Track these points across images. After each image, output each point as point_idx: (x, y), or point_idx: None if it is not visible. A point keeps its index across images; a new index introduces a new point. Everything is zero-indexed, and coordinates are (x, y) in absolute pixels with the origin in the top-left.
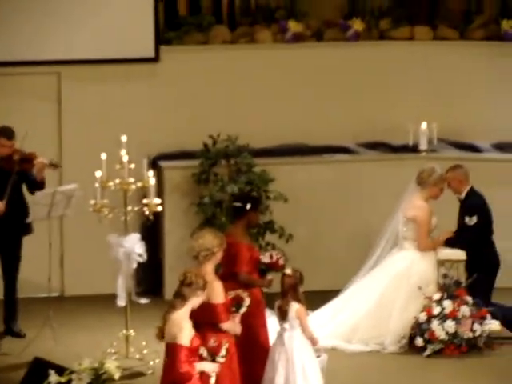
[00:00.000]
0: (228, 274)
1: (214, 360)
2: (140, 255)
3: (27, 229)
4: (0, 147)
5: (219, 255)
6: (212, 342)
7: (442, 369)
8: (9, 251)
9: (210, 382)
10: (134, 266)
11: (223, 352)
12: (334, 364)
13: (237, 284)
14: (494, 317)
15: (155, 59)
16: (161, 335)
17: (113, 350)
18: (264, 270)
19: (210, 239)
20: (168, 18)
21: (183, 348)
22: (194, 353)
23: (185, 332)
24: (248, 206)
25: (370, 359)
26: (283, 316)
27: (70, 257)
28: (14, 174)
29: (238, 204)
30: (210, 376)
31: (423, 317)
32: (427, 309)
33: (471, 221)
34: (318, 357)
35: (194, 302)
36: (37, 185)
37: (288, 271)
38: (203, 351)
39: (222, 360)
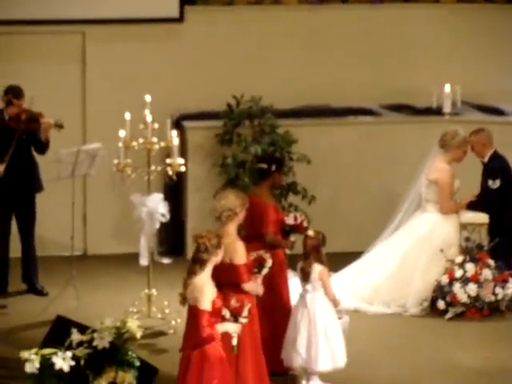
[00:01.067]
0: (251, 235)
1: (236, 321)
2: (163, 215)
3: (38, 187)
4: (9, 106)
5: (241, 216)
6: (234, 303)
7: (464, 332)
8: (22, 209)
9: (232, 343)
10: (157, 225)
11: (245, 312)
12: (355, 326)
13: (260, 245)
14: None
15: (180, 19)
16: (183, 301)
17: (135, 310)
18: (287, 231)
19: (232, 200)
20: None
21: (205, 312)
22: (216, 314)
23: (206, 296)
24: (273, 168)
25: (391, 321)
26: (306, 277)
27: (92, 216)
28: (18, 134)
29: (263, 165)
30: (232, 337)
31: (445, 280)
32: (449, 272)
33: (494, 184)
34: (339, 318)
35: (214, 262)
36: (42, 146)
37: (310, 233)
38: (226, 312)
39: (244, 321)
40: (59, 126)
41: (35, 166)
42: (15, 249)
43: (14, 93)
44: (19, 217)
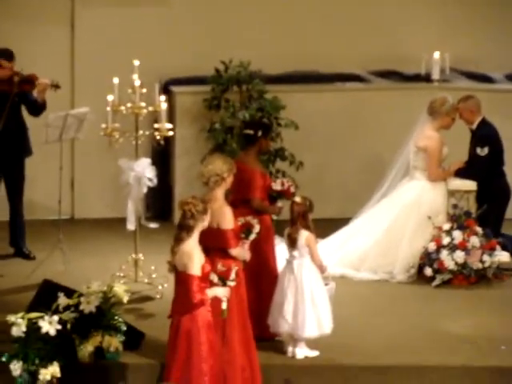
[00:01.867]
0: (239, 200)
1: (224, 284)
2: (150, 180)
3: (27, 151)
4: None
5: (229, 181)
6: (220, 267)
7: (451, 299)
8: (11, 173)
9: (222, 307)
10: (144, 190)
11: (233, 276)
12: (342, 292)
13: (247, 210)
14: (503, 248)
15: None
16: (172, 268)
17: (121, 274)
18: (274, 197)
19: (219, 165)
20: None
21: (194, 278)
22: (205, 279)
23: (195, 261)
24: (259, 134)
25: (378, 288)
26: (292, 243)
27: (80, 180)
28: (12, 96)
29: (249, 131)
30: (221, 301)
31: (432, 247)
32: (436, 239)
33: (482, 151)
34: (326, 284)
35: (201, 228)
36: (37, 106)
37: (298, 199)
38: (213, 277)
39: (232, 284)
40: (56, 87)
41: (26, 130)
42: (2, 212)
43: (5, 55)
44: (8, 181)
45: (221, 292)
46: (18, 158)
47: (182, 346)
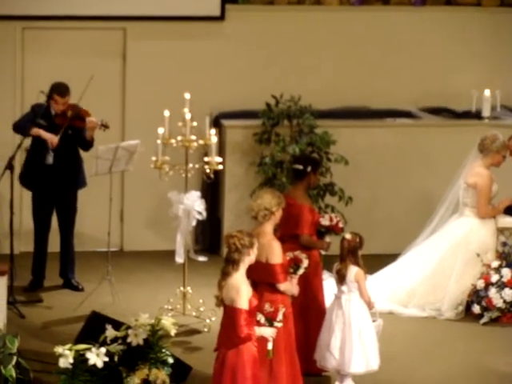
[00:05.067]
0: (287, 235)
1: (271, 325)
2: (199, 213)
3: (81, 182)
4: (54, 104)
5: (278, 215)
6: (268, 307)
7: (499, 337)
8: (64, 205)
9: (268, 347)
10: (194, 223)
11: (280, 317)
12: (389, 328)
13: (295, 245)
14: None
15: (221, 18)
16: (220, 303)
17: (169, 307)
18: (323, 232)
19: (268, 199)
20: None
21: (242, 312)
22: (252, 313)
23: (243, 295)
24: (309, 169)
25: (426, 325)
26: (341, 279)
27: (130, 212)
28: (63, 129)
29: (298, 166)
30: (267, 341)
31: (481, 284)
32: (485, 276)
33: None
34: (374, 321)
35: (247, 262)
36: (86, 143)
37: (348, 236)
38: (260, 317)
39: (279, 325)
40: (105, 126)
41: (80, 162)
42: (54, 243)
43: (60, 90)
44: (61, 212)
45: (267, 332)
46: (71, 191)
47: (227, 381)
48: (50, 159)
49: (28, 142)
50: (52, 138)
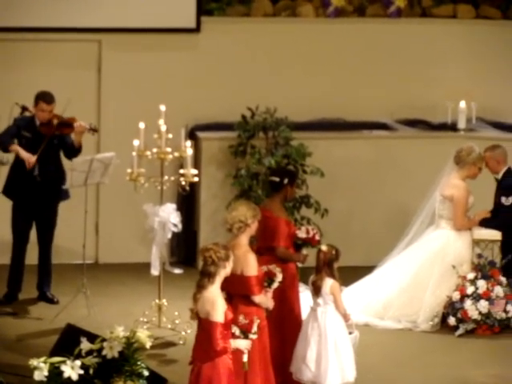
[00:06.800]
0: (263, 247)
1: (246, 337)
2: (175, 225)
3: (64, 194)
4: (39, 112)
5: (254, 227)
6: (242, 319)
7: (474, 349)
8: (44, 217)
9: (243, 359)
10: (169, 235)
11: (255, 328)
12: (365, 340)
13: (272, 258)
14: None
15: (196, 30)
16: (195, 315)
17: (145, 319)
18: (299, 244)
19: (243, 211)
20: None
21: (218, 325)
22: (227, 326)
23: (218, 308)
24: (285, 181)
25: (401, 337)
26: (317, 291)
27: (105, 225)
28: (47, 138)
29: (275, 178)
30: (243, 353)
31: (456, 296)
32: (461, 288)
33: (507, 201)
34: (350, 333)
35: (223, 275)
36: (74, 150)
37: (324, 248)
38: (235, 329)
39: (254, 337)
40: (94, 130)
41: (63, 174)
42: (32, 256)
43: (46, 98)
44: (40, 225)
45: (242, 344)
46: (54, 203)
47: None
48: (35, 171)
49: (9, 155)
50: (29, 158)
